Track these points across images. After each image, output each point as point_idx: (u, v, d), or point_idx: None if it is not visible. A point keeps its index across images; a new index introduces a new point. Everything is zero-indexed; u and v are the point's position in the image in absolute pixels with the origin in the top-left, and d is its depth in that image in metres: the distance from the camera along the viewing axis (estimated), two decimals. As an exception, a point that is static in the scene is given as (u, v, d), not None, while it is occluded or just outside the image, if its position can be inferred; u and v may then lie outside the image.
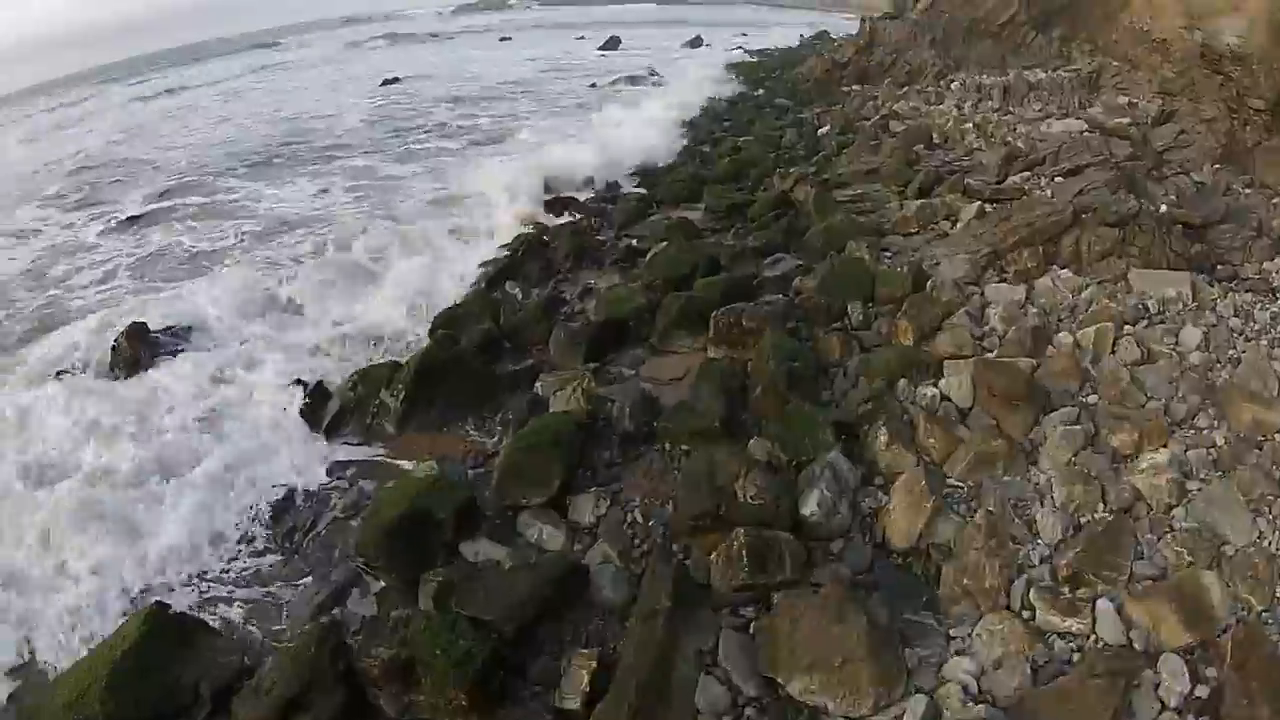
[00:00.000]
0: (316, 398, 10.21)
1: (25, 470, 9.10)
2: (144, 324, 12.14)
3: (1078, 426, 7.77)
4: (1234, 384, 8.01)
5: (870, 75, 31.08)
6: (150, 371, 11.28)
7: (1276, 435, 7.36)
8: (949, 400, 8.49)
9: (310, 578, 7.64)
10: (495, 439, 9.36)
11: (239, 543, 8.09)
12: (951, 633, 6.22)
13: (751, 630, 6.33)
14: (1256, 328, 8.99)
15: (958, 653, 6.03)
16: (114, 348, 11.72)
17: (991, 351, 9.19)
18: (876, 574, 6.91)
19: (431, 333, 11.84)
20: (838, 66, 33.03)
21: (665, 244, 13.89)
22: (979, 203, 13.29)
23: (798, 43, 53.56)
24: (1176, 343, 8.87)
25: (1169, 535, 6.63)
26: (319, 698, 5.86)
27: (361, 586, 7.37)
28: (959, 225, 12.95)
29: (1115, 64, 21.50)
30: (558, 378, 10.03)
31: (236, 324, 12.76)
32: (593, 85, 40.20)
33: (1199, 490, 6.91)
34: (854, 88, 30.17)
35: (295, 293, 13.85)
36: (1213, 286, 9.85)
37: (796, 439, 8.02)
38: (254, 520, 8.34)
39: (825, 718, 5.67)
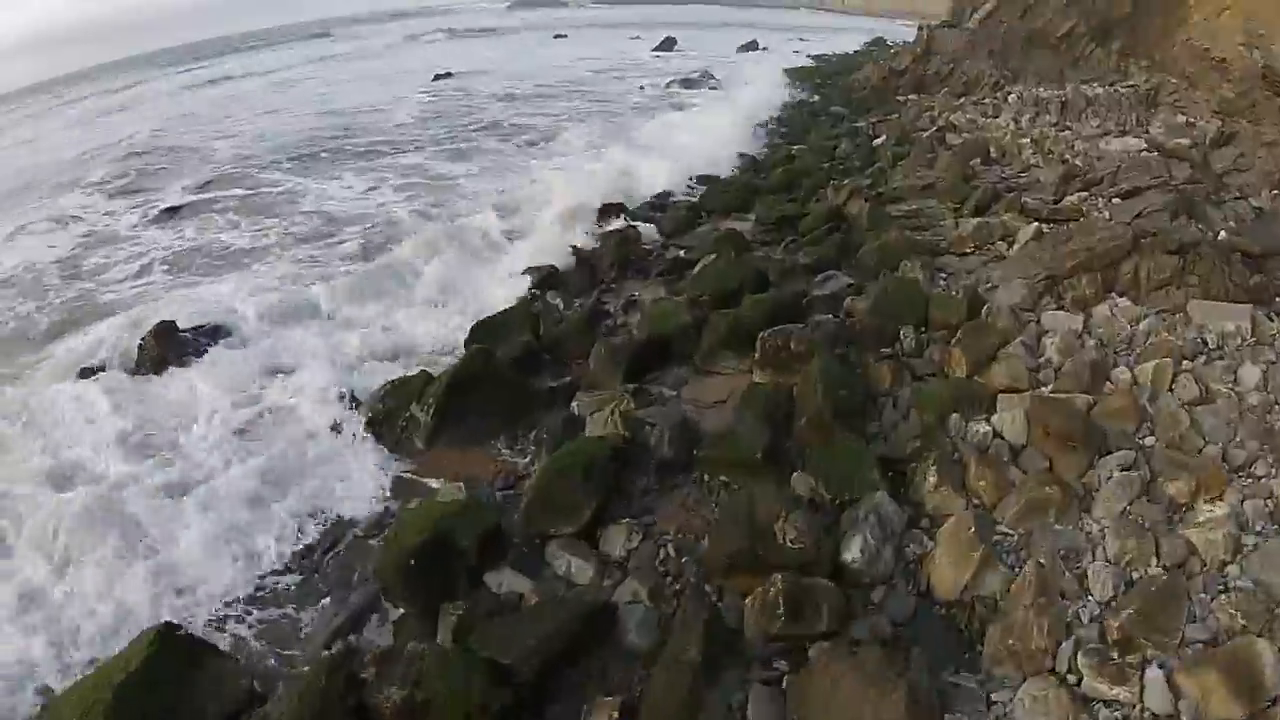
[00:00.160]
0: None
1: (38, 471, 8.92)
2: (173, 323, 11.90)
3: (1134, 472, 7.32)
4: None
5: (927, 84, 30.55)
6: (175, 371, 11.05)
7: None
8: (1001, 438, 8.10)
9: (328, 599, 7.34)
10: (528, 459, 9.04)
11: (257, 559, 7.78)
12: (993, 697, 5.84)
13: (784, 684, 5.98)
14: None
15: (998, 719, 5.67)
16: (141, 346, 11.50)
17: (1047, 385, 8.77)
18: (918, 625, 6.56)
19: (467, 343, 11.38)
20: (894, 74, 32.54)
21: (714, 256, 13.51)
22: (1036, 223, 12.75)
23: (855, 49, 52.91)
24: (1235, 381, 8.40)
25: (1222, 595, 6.16)
26: (327, 734, 5.60)
27: (380, 612, 7.07)
28: (1016, 246, 12.44)
29: (1173, 81, 20.65)
30: (595, 398, 9.65)
31: (269, 327, 12.42)
32: (641, 88, 39.81)
33: (1254, 546, 6.46)
34: (910, 97, 29.57)
35: (334, 296, 13.52)
36: (1272, 320, 9.32)
37: (841, 475, 7.70)
38: (277, 539, 8.01)
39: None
